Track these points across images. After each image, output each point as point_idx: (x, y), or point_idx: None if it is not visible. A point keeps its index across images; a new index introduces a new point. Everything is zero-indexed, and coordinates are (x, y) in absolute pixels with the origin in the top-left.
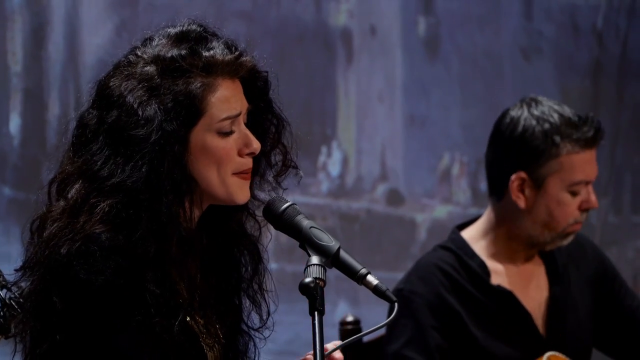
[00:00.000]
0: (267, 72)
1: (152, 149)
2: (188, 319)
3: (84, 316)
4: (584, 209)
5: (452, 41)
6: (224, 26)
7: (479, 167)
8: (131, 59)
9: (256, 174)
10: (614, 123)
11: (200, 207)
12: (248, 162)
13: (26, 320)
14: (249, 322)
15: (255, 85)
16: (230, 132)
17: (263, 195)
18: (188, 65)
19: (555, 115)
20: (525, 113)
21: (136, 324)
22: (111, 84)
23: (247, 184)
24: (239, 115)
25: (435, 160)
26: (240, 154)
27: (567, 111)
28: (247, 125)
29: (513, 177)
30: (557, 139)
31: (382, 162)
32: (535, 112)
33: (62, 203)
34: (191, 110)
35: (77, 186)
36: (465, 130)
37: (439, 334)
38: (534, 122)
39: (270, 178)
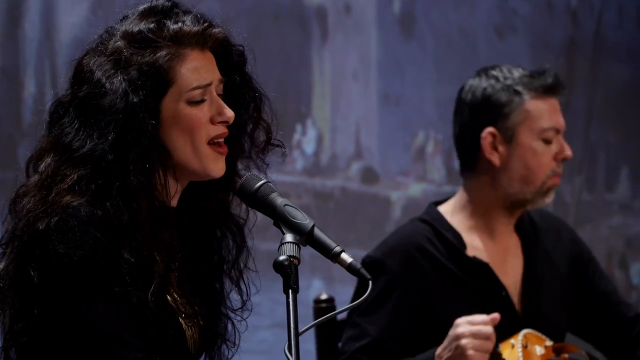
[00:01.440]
0: (242, 45)
1: (117, 117)
2: (168, 297)
3: (61, 290)
4: (559, 159)
5: (426, 19)
6: (199, 4)
7: (454, 144)
8: (104, 37)
9: (241, 154)
10: (588, 101)
11: (176, 180)
12: (221, 129)
13: (3, 297)
14: (228, 302)
15: (230, 58)
16: (201, 101)
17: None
18: (155, 36)
19: (514, 72)
20: (484, 78)
21: (113, 298)
22: (84, 61)
23: (222, 157)
24: (209, 84)
25: (410, 139)
26: (212, 122)
27: (523, 68)
28: (225, 100)
29: (484, 134)
30: (520, 88)
31: (357, 140)
32: (494, 73)
33: (35, 177)
34: (158, 80)
35: (48, 159)
36: (439, 108)
37: (401, 309)
38: (493, 81)
39: (255, 156)
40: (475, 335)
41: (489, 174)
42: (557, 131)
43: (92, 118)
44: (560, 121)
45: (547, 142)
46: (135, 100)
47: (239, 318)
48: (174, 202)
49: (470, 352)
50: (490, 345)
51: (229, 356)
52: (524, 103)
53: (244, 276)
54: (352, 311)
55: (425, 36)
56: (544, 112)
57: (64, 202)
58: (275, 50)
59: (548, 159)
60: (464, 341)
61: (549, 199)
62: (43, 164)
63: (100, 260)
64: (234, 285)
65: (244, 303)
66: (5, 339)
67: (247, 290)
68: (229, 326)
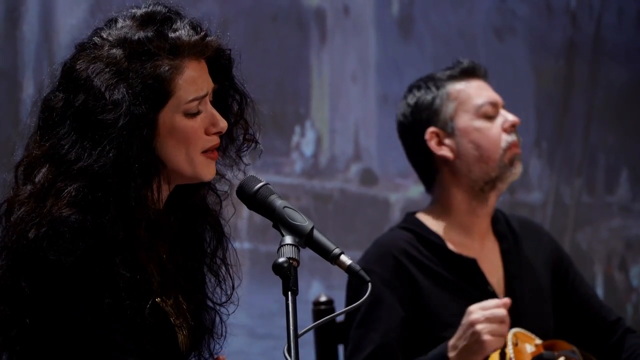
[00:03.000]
0: (230, 49)
1: (120, 133)
2: (158, 299)
3: (53, 297)
4: (507, 128)
5: (425, 21)
6: (198, 6)
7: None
8: (97, 41)
9: (218, 150)
10: (587, 103)
11: (168, 188)
12: (215, 140)
13: None
14: (214, 298)
15: (220, 64)
16: (197, 113)
17: (224, 170)
18: (155, 48)
19: (430, 75)
20: (406, 94)
21: (107, 305)
22: (77, 66)
23: (213, 162)
24: (205, 95)
25: None
26: (207, 133)
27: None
28: (211, 102)
29: (427, 136)
30: (439, 82)
31: (356, 142)
32: (412, 85)
33: (29, 187)
34: (159, 93)
35: (44, 170)
36: None
37: (396, 311)
38: (415, 90)
39: (233, 153)
40: (489, 320)
41: (447, 171)
42: (494, 105)
43: (92, 131)
44: (492, 95)
45: (489, 117)
46: (138, 113)
47: (225, 311)
48: (162, 205)
49: (487, 337)
50: (505, 328)
51: (216, 348)
52: (449, 92)
53: (228, 269)
54: (350, 326)
55: (424, 38)
56: (472, 91)
57: (55, 212)
58: (273, 51)
59: (495, 132)
60: (479, 327)
61: (517, 169)
62: (39, 175)
63: (92, 266)
64: (218, 280)
65: (229, 297)
66: None
67: (231, 283)
68: (216, 318)
